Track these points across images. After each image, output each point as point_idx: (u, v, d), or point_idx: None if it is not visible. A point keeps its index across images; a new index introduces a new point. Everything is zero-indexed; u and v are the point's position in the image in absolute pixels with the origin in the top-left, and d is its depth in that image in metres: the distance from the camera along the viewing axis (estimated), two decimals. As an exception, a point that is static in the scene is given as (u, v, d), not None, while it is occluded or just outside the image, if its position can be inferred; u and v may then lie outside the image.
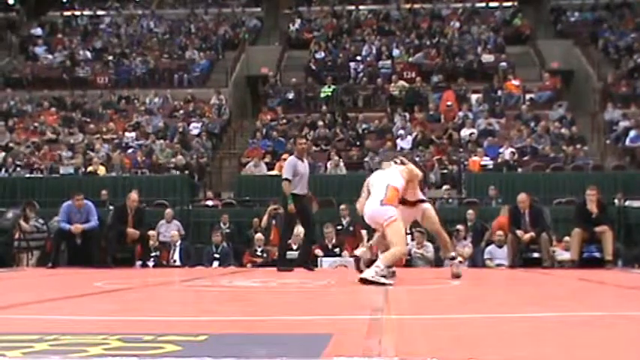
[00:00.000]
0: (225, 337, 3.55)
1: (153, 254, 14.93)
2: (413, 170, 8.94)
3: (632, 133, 21.35)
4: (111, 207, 16.32)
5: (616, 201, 16.82)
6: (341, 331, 3.64)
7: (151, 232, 15.01)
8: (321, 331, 3.61)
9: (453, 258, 9.32)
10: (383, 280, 7.83)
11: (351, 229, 16.17)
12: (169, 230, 15.94)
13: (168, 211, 16.51)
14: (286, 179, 11.71)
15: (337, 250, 15.32)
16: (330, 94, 25.23)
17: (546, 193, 16.98)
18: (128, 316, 4.86)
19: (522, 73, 26.48)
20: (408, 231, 15.77)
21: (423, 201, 9.37)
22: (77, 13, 33.49)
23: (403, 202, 8.90)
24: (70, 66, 28.47)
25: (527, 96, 24.81)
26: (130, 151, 21.99)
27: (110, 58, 29.04)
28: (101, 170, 20.15)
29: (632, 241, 15.91)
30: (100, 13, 33.42)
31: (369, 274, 7.91)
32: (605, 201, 14.23)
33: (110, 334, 3.43)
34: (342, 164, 19.96)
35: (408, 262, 14.68)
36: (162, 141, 22.12)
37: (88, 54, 29.44)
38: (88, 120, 24.69)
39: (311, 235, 12.58)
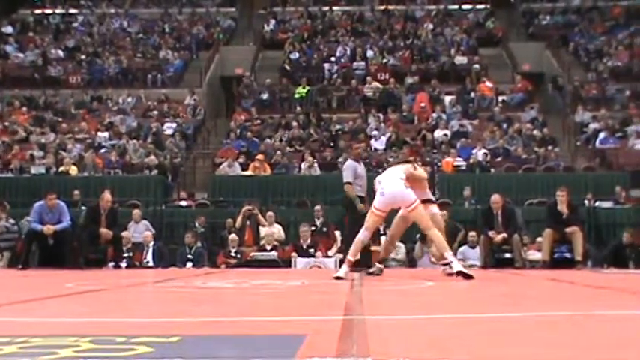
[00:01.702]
0: (198, 338, 3.54)
1: (126, 255, 14.85)
2: (414, 170, 9.36)
3: (601, 135, 21.59)
4: (83, 207, 16.23)
5: (586, 202, 16.99)
6: (315, 331, 3.64)
7: (125, 233, 14.94)
8: (295, 332, 3.61)
9: (446, 264, 9.63)
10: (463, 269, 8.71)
11: (324, 229, 16.20)
12: (138, 231, 15.87)
13: (136, 211, 16.44)
14: (348, 183, 12.11)
15: (311, 250, 15.34)
16: (304, 94, 25.24)
17: (518, 194, 17.11)
18: (100, 317, 4.83)
19: (495, 75, 26.68)
20: (382, 231, 15.90)
21: (431, 201, 9.78)
22: (49, 11, 33.22)
23: None
24: (41, 65, 28.25)
25: (500, 98, 25.00)
26: (102, 151, 21.85)
27: (83, 57, 28.85)
28: (73, 170, 20.00)
29: (601, 241, 16.08)
30: (72, 11, 33.18)
31: (457, 266, 8.74)
32: (575, 202, 14.39)
33: (81, 336, 3.41)
34: (316, 165, 19.98)
35: (382, 262, 14.72)
36: (135, 141, 22.00)
37: (60, 53, 29.23)
38: (60, 120, 24.50)
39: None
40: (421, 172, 9.66)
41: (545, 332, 3.91)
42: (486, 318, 4.86)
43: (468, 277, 8.56)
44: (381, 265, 10.25)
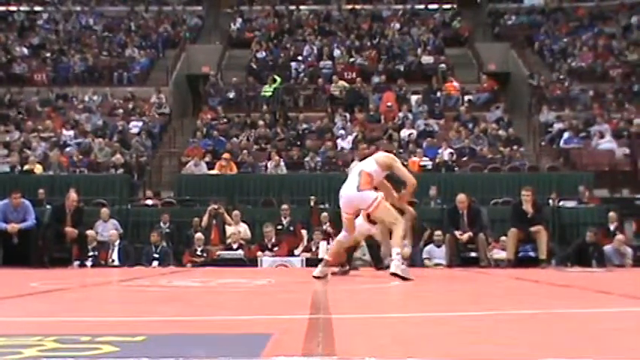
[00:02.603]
0: (163, 337, 3.53)
1: (91, 254, 14.74)
2: (388, 157, 9.03)
3: (565, 135, 21.81)
4: (48, 206, 16.07)
5: (550, 201, 17.16)
6: (281, 330, 3.65)
7: (90, 232, 14.84)
8: (261, 331, 3.61)
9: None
10: (407, 274, 8.33)
11: (291, 228, 16.22)
12: (106, 230, 15.76)
13: (104, 210, 16.33)
14: None
15: (277, 249, 15.35)
16: (271, 92, 25.21)
17: (484, 194, 17.22)
18: (64, 316, 4.80)
19: (461, 74, 26.85)
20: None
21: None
22: (13, 8, 32.82)
23: None
24: (5, 62, 27.94)
25: (466, 97, 25.16)
26: (67, 149, 21.64)
27: (48, 54, 28.58)
28: (38, 169, 19.80)
29: (565, 240, 16.25)
30: (37, 8, 32.81)
31: (396, 268, 8.33)
32: (540, 201, 14.52)
33: (46, 335, 3.39)
34: (282, 164, 19.97)
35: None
36: (101, 139, 21.84)
37: (25, 50, 28.93)
38: (25, 118, 24.25)
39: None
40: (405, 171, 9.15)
41: (510, 330, 3.95)
42: (452, 317, 4.90)
43: (405, 279, 8.25)
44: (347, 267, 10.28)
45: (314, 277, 8.73)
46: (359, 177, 8.58)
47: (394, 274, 8.29)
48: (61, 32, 30.74)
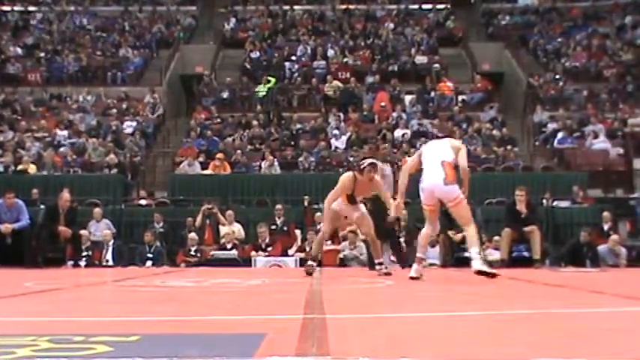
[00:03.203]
0: (157, 337, 3.53)
1: (85, 254, 14.73)
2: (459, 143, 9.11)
3: (559, 135, 21.85)
4: (42, 206, 16.05)
5: (544, 201, 17.17)
6: (274, 330, 3.65)
7: (83, 232, 14.82)
8: (255, 331, 3.61)
9: (380, 264, 10.00)
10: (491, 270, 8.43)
11: (285, 228, 16.22)
12: (99, 229, 15.74)
13: (97, 210, 16.31)
14: None
15: (270, 249, 15.34)
16: (265, 92, 25.21)
17: (477, 194, 17.21)
18: (58, 316, 4.79)
19: (455, 74, 26.87)
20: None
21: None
22: (7, 8, 32.75)
23: (350, 198, 9.50)
24: (0, 62, 27.87)
25: (460, 97, 25.17)
26: (61, 149, 21.60)
27: (42, 54, 28.51)
28: (32, 169, 19.77)
29: (559, 240, 16.26)
30: (31, 8, 32.73)
31: (481, 266, 8.35)
32: (534, 201, 14.54)
33: (39, 335, 3.38)
34: (276, 164, 19.97)
35: (342, 262, 14.79)
36: (94, 139, 21.80)
37: (19, 50, 28.87)
38: (19, 117, 24.19)
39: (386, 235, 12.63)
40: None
41: (504, 330, 3.96)
42: (446, 317, 4.90)
43: (491, 275, 8.32)
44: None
45: (411, 278, 8.61)
46: (443, 168, 8.40)
47: (480, 272, 8.31)
48: (54, 32, 30.68)
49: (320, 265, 10.01)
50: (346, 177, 9.66)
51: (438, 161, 8.47)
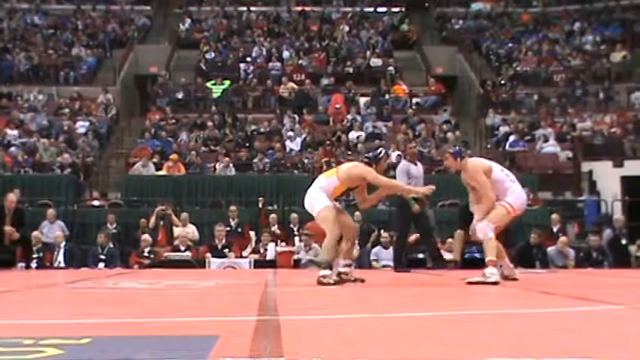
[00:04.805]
0: (109, 339, 3.51)
1: (36, 256, 14.52)
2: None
3: (511, 138, 22.12)
4: (-11, 207, 15.78)
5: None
6: (228, 332, 3.65)
7: (35, 233, 14.61)
8: (208, 333, 3.61)
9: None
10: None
11: (239, 230, 16.18)
12: (52, 231, 15.55)
13: (50, 211, 16.11)
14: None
15: (226, 250, 15.30)
16: (220, 93, 25.13)
17: (431, 196, 17.31)
18: (8, 319, 4.74)
19: (409, 77, 27.04)
20: (296, 232, 15.96)
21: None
22: (-44, 5, 32.18)
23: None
24: (-52, 60, 27.37)
25: (414, 100, 25.33)
26: (12, 149, 21.27)
27: (-8, 52, 28.06)
28: (-19, 169, 19.47)
29: (511, 242, 16.42)
30: (-20, 6, 32.20)
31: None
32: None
33: (-11, 338, 3.35)
34: (231, 165, 19.91)
35: (296, 263, 14.81)
36: (46, 140, 21.53)
37: (-32, 48, 28.37)
38: (-32, 117, 23.80)
39: (427, 236, 12.78)
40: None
41: (455, 331, 4.01)
42: (399, 318, 4.94)
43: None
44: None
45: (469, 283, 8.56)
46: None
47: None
48: (5, 30, 30.17)
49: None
50: (360, 167, 8.61)
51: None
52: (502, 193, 8.60)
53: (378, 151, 8.85)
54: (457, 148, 9.53)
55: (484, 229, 8.56)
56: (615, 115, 23.32)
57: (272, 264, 14.76)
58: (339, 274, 8.46)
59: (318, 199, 8.39)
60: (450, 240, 14.51)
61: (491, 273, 8.28)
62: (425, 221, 12.57)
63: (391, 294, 7.46)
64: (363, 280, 8.57)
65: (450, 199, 17.49)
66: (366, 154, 8.93)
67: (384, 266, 14.41)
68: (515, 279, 8.90)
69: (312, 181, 8.78)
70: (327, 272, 8.24)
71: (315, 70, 26.87)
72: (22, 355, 2.96)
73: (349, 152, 21.19)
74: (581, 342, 3.59)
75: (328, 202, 8.36)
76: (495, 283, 8.13)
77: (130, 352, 3.07)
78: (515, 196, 8.64)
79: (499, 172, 8.74)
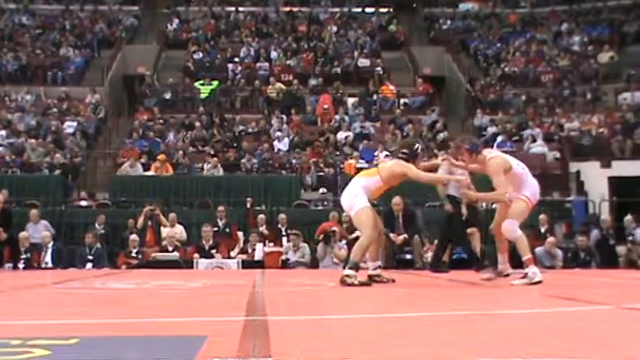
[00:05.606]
0: (97, 340, 3.51)
1: (23, 256, 14.47)
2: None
3: (499, 139, 22.14)
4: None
5: (484, 204, 17.36)
6: (215, 333, 3.65)
7: (23, 234, 14.57)
8: (196, 333, 3.61)
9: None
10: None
11: (227, 230, 16.17)
12: (38, 231, 15.50)
13: (34, 211, 16.06)
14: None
15: (213, 251, 15.28)
16: (208, 93, 25.11)
17: (419, 197, 17.35)
18: (-4, 320, 4.72)
19: (397, 78, 27.06)
20: (284, 233, 15.97)
21: None
22: (-57, 5, 32.02)
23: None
24: None
25: (402, 101, 25.36)
26: (-1, 149, 21.22)
27: (-21, 53, 27.94)
28: (-31, 169, 19.38)
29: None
30: (-32, 6, 32.06)
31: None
32: (474, 203, 14.68)
33: (-24, 339, 3.34)
34: (219, 165, 19.89)
35: (284, 263, 14.81)
36: (34, 140, 21.46)
37: (-45, 48, 28.25)
38: (-45, 117, 23.68)
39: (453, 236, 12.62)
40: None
41: (443, 331, 4.02)
42: (387, 318, 4.95)
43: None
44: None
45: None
46: None
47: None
48: (-8, 30, 30.10)
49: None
50: (401, 164, 8.38)
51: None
52: (519, 186, 8.58)
53: (416, 146, 8.55)
54: (472, 141, 8.95)
55: (510, 228, 8.55)
56: (603, 115, 23.38)
57: (260, 264, 14.75)
58: (369, 276, 8.42)
59: (359, 197, 8.22)
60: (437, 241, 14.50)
61: (534, 272, 8.29)
62: (457, 222, 12.52)
63: (379, 294, 7.46)
64: (393, 281, 8.59)
65: (438, 199, 17.47)
66: (403, 150, 8.54)
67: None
68: (507, 275, 8.96)
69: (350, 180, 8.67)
70: (351, 272, 8.06)
71: (303, 71, 26.87)
72: (10, 355, 2.95)
73: (337, 153, 21.23)
74: (569, 342, 3.61)
75: (368, 203, 8.25)
76: (540, 282, 8.17)
77: (117, 353, 3.06)
78: (531, 187, 8.67)
79: (516, 166, 8.65)
